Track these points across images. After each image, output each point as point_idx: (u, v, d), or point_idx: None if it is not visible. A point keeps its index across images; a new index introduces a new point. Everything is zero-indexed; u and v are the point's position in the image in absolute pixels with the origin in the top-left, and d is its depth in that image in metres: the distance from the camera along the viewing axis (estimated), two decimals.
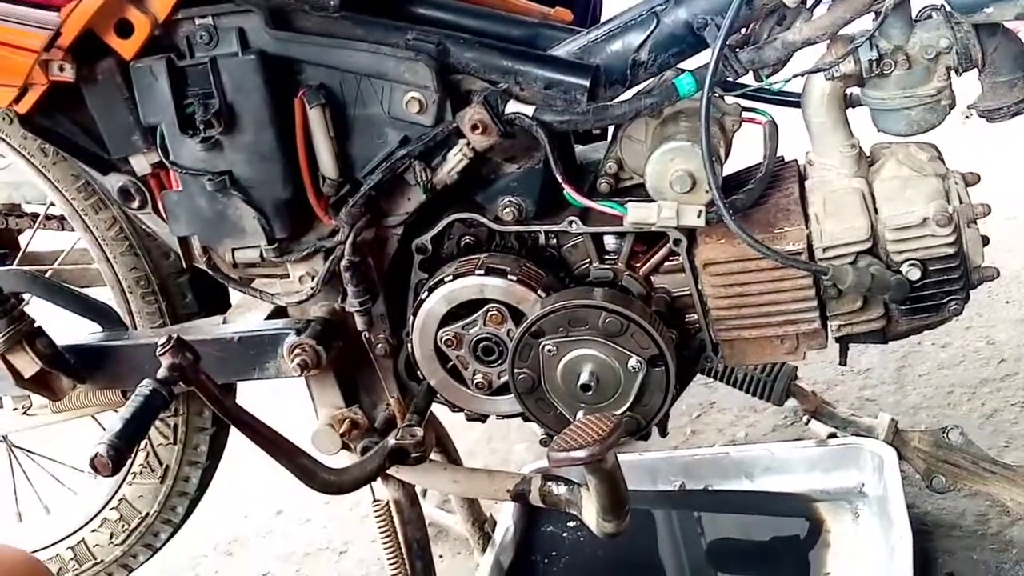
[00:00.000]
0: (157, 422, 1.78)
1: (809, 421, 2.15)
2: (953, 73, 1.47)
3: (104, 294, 1.96)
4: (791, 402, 2.13)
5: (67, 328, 1.91)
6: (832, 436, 2.14)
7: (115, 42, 1.53)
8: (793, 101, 1.59)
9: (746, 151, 1.64)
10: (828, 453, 2.12)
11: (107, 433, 1.33)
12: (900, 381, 2.56)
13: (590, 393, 1.53)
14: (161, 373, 1.40)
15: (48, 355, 1.75)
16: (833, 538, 2.01)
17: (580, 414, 1.54)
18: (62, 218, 1.97)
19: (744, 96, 1.63)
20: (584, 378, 1.53)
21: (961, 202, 1.49)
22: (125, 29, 1.52)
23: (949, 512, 2.11)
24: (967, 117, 1.54)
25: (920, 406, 2.46)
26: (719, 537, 2.15)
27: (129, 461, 1.80)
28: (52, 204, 1.90)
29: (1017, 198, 2.98)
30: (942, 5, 1.45)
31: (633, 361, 1.51)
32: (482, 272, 1.57)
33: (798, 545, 2.05)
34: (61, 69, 1.54)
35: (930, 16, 1.47)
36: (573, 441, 1.30)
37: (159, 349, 1.42)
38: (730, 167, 1.61)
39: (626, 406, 1.54)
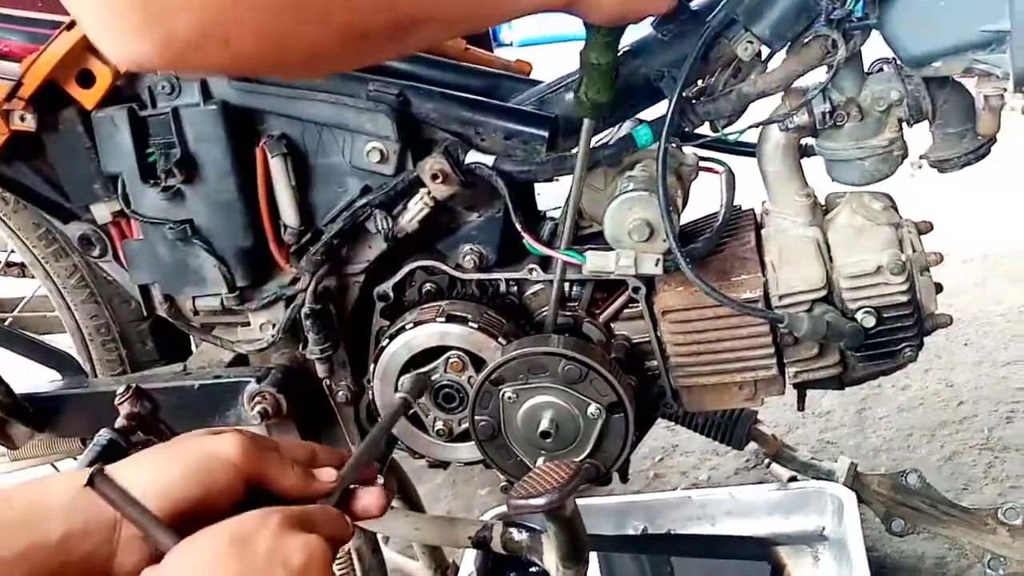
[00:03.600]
0: None
1: (770, 464, 2.16)
2: (904, 124, 1.50)
3: (64, 341, 1.95)
4: (752, 445, 2.15)
5: (26, 376, 1.90)
6: (793, 479, 2.15)
7: (77, 92, 1.54)
8: (749, 151, 1.61)
9: (704, 200, 1.66)
10: (789, 497, 2.13)
11: None
12: (860, 424, 2.59)
13: (550, 440, 1.54)
14: (119, 422, 1.40)
15: (6, 403, 1.73)
16: None
17: (540, 461, 1.54)
18: (23, 265, 1.96)
19: (701, 146, 1.65)
20: (544, 425, 1.53)
21: (914, 250, 1.51)
22: (87, 79, 1.53)
23: (908, 555, 2.12)
24: (919, 167, 1.56)
25: (880, 448, 2.48)
26: None
27: None
28: (12, 251, 1.90)
29: (971, 243, 3.03)
30: (893, 59, 1.48)
31: (592, 408, 1.52)
32: (443, 319, 1.57)
33: None
34: (22, 119, 1.55)
35: (881, 69, 1.50)
36: (532, 488, 1.29)
37: (118, 398, 1.42)
38: (688, 216, 1.63)
39: (586, 453, 1.54)
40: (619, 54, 1.43)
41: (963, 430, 2.47)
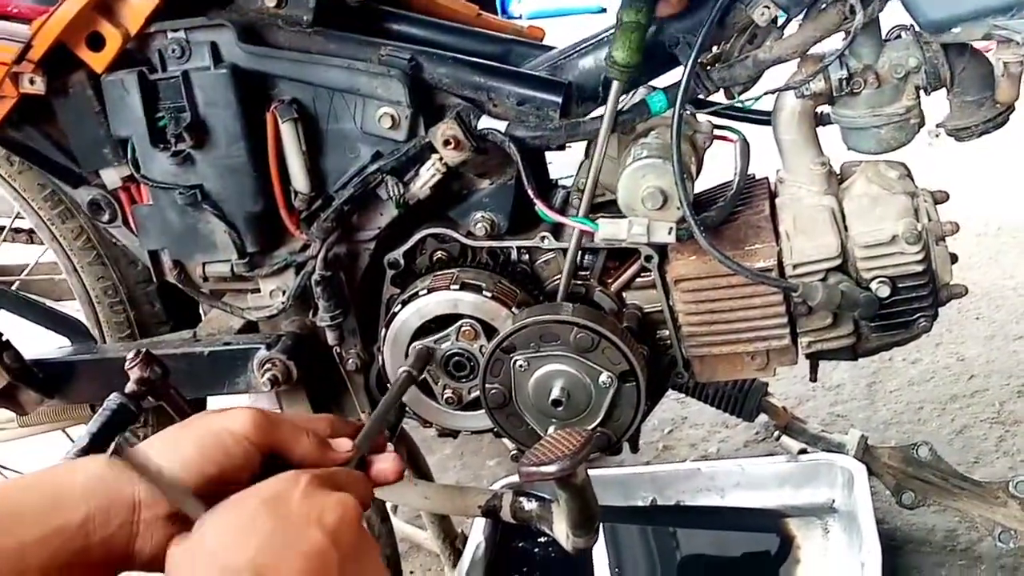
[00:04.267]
0: (126, 435, 1.76)
1: (780, 437, 2.15)
2: (922, 92, 1.48)
3: (72, 308, 1.95)
4: (762, 418, 2.14)
5: (34, 342, 1.90)
6: (803, 452, 2.14)
7: (87, 55, 1.53)
8: (764, 119, 1.60)
9: (717, 169, 1.65)
10: (799, 469, 2.12)
11: (73, 447, 1.31)
12: (871, 397, 2.58)
13: (561, 408, 1.53)
14: (129, 387, 1.38)
15: (15, 369, 1.73)
16: (803, 554, 2.01)
17: (551, 429, 1.54)
18: (31, 231, 1.96)
19: (715, 114, 1.63)
20: (555, 393, 1.53)
21: (930, 220, 1.50)
22: (97, 42, 1.52)
23: (919, 528, 2.11)
24: (936, 136, 1.55)
25: (890, 422, 2.47)
26: (690, 553, 2.15)
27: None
28: (20, 216, 1.89)
29: (985, 216, 3.01)
30: (911, 25, 1.46)
31: (604, 377, 1.51)
32: (457, 287, 1.56)
33: (769, 561, 2.05)
34: (32, 82, 1.54)
35: (899, 36, 1.48)
36: (543, 456, 1.29)
37: (128, 363, 1.40)
38: (701, 185, 1.62)
39: (597, 421, 1.54)
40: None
41: (974, 404, 2.46)
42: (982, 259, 2.91)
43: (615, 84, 1.45)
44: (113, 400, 1.37)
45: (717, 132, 1.61)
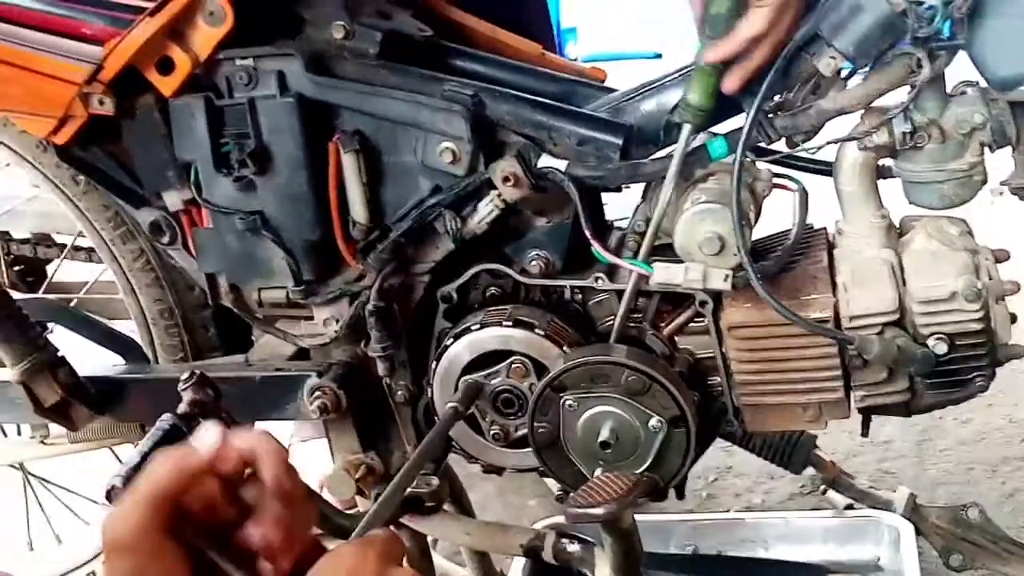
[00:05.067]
0: None
1: (827, 491, 2.13)
2: (987, 149, 1.47)
3: (127, 328, 1.97)
4: (809, 471, 2.11)
5: (89, 359, 1.92)
6: (849, 507, 2.11)
7: (156, 79, 1.55)
8: (824, 169, 1.59)
9: (775, 218, 1.64)
10: (845, 524, 2.09)
11: (125, 466, 1.32)
12: (920, 455, 2.54)
13: (609, 451, 1.52)
14: (182, 408, 1.39)
15: (69, 385, 1.75)
16: None
17: (598, 471, 1.53)
18: (90, 249, 1.98)
19: (776, 162, 1.63)
20: (604, 435, 1.52)
21: (990, 278, 1.48)
22: (166, 66, 1.54)
23: None
24: (1000, 195, 1.53)
25: (939, 482, 2.44)
26: None
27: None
28: (81, 235, 1.92)
29: None
30: (977, 82, 1.46)
31: (654, 421, 1.50)
32: (510, 324, 1.57)
33: None
34: (101, 103, 1.56)
35: (965, 92, 1.47)
36: (591, 498, 1.29)
37: (181, 384, 1.41)
38: (758, 233, 1.61)
39: (645, 466, 1.53)
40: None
41: None
42: None
43: (686, 127, 1.45)
44: (165, 421, 1.38)
45: (776, 180, 1.60)
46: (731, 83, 1.43)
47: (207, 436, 0.82)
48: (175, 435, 1.38)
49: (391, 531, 0.95)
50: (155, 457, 0.82)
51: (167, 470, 0.80)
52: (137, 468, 1.32)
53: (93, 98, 1.56)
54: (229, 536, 0.82)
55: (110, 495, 1.30)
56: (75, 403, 1.77)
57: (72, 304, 2.09)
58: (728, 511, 2.46)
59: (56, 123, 1.58)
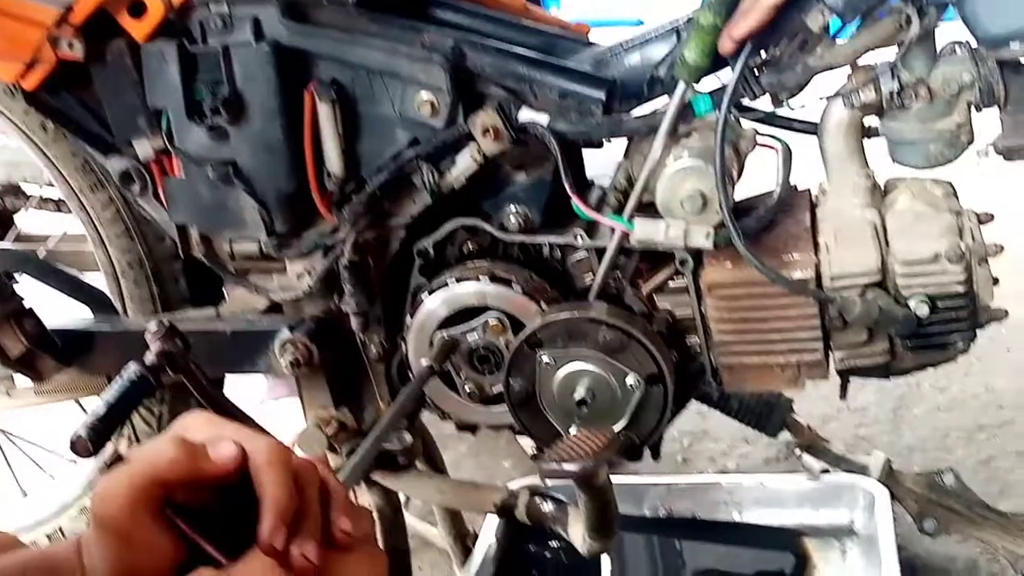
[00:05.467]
0: (141, 409, 1.75)
1: (802, 455, 2.12)
2: (974, 109, 1.44)
3: (96, 281, 1.93)
4: (784, 435, 2.10)
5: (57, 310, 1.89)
6: (824, 472, 2.10)
7: (127, 22, 1.51)
8: (809, 129, 1.57)
9: (758, 178, 1.62)
10: (819, 488, 2.08)
11: (89, 416, 1.30)
12: (896, 421, 2.54)
13: (585, 409, 1.51)
14: (149, 358, 1.37)
15: (35, 336, 1.72)
16: (819, 575, 1.97)
17: (573, 429, 1.51)
18: (60, 201, 1.95)
19: (759, 121, 1.60)
20: (580, 393, 1.50)
21: (974, 240, 1.46)
22: (138, 10, 1.51)
23: (939, 557, 2.07)
24: (985, 155, 1.51)
25: (915, 447, 2.43)
26: (702, 567, 2.11)
27: (111, 446, 1.77)
28: (50, 184, 1.88)
29: (1021, 249, 2.95)
30: (967, 41, 1.43)
31: (631, 378, 1.48)
32: (487, 279, 1.54)
33: None
34: (70, 46, 1.52)
35: (954, 51, 1.45)
36: (566, 454, 1.26)
37: (149, 334, 1.39)
38: (740, 194, 1.59)
39: (621, 424, 1.51)
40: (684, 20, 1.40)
41: (1001, 435, 2.42)
42: (1015, 291, 2.85)
43: (681, 85, 1.42)
44: (133, 370, 1.36)
45: (760, 140, 1.58)
46: (728, 45, 1.40)
47: (225, 450, 0.78)
48: (141, 386, 1.36)
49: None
50: (166, 438, 0.78)
51: (171, 458, 0.76)
52: (102, 419, 1.29)
53: (62, 42, 1.52)
54: (221, 517, 0.79)
55: (74, 446, 1.28)
56: (41, 354, 1.74)
57: (40, 255, 2.05)
58: (703, 474, 2.45)
59: (24, 67, 1.54)
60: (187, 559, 0.77)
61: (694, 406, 1.75)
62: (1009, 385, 2.61)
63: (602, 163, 1.66)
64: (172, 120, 1.56)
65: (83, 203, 1.80)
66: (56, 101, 1.62)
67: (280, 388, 2.34)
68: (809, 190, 1.60)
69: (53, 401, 1.99)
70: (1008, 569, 1.93)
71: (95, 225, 1.81)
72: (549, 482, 1.92)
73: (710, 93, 1.46)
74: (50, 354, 1.74)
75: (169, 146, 1.57)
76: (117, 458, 0.77)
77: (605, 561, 2.06)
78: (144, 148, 1.61)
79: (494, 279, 1.54)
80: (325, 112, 1.51)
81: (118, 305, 1.88)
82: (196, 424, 0.82)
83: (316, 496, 0.80)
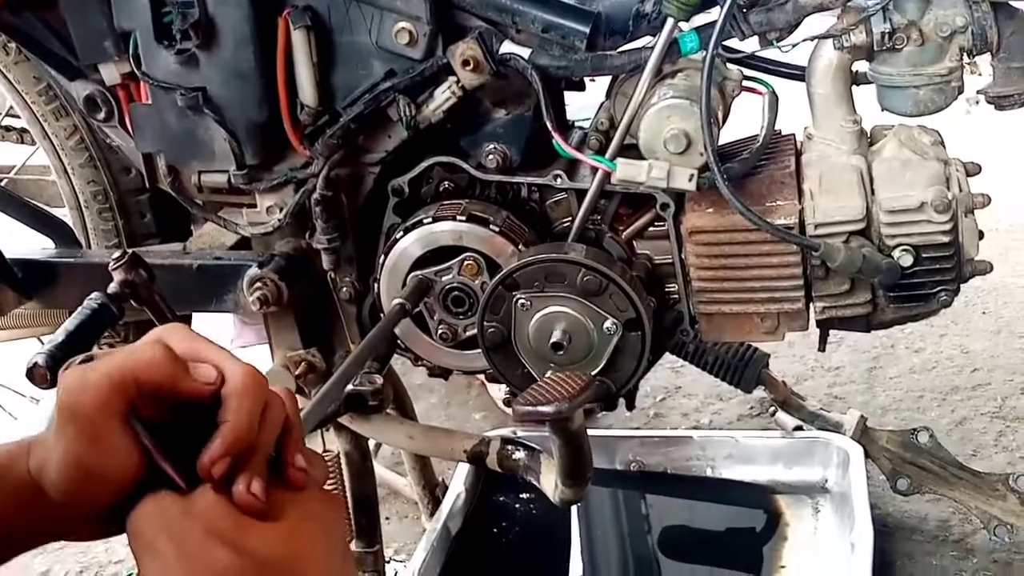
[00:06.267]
0: (103, 345, 1.71)
1: (776, 411, 2.10)
2: (966, 55, 1.41)
3: (61, 215, 1.88)
4: (758, 392, 2.08)
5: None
6: (798, 429, 2.09)
7: None
8: (797, 74, 1.53)
9: (743, 123, 1.58)
10: (793, 445, 2.07)
11: (49, 344, 1.25)
12: (870, 381, 2.53)
13: (561, 353, 1.47)
14: (112, 288, 1.32)
15: None
16: (791, 532, 1.96)
17: (549, 374, 1.47)
18: (23, 130, 1.89)
19: (746, 64, 1.56)
20: (556, 336, 1.46)
21: (961, 190, 1.43)
22: None
23: (912, 515, 2.07)
24: (975, 103, 1.48)
25: (889, 408, 2.43)
26: (672, 523, 2.10)
27: None
28: (12, 114, 1.82)
29: (1000, 209, 2.94)
30: None
31: (609, 323, 1.45)
32: (463, 218, 1.50)
33: (754, 537, 2.01)
34: None
35: None
36: (541, 397, 1.22)
37: (112, 263, 1.34)
38: (725, 138, 1.55)
39: (597, 369, 1.48)
40: None
41: (975, 397, 2.42)
42: (992, 254, 2.84)
43: (670, 21, 1.38)
44: (95, 299, 1.31)
45: (746, 83, 1.54)
46: None
47: (206, 371, 0.75)
48: (103, 316, 1.31)
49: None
50: (147, 341, 0.75)
51: (151, 359, 0.72)
52: (61, 346, 1.25)
53: None
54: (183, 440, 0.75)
55: (31, 373, 1.23)
56: (1, 286, 1.68)
57: (2, 184, 1.99)
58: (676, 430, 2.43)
59: None
60: (144, 477, 0.73)
61: (668, 362, 1.72)
62: (984, 347, 2.61)
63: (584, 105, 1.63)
64: (140, 43, 1.49)
65: (46, 131, 1.74)
66: (19, 21, 1.55)
67: (248, 334, 2.30)
68: (794, 135, 1.56)
69: (13, 339, 1.94)
70: (980, 529, 1.92)
71: (58, 154, 1.76)
72: (521, 431, 1.91)
73: (697, 31, 1.42)
74: (10, 286, 1.69)
75: (137, 71, 1.51)
76: (88, 358, 0.73)
77: (574, 515, 2.04)
78: (110, 72, 1.55)
79: (471, 219, 1.50)
80: (299, 40, 1.46)
81: (82, 239, 1.83)
82: (175, 336, 0.77)
83: (276, 432, 0.76)
